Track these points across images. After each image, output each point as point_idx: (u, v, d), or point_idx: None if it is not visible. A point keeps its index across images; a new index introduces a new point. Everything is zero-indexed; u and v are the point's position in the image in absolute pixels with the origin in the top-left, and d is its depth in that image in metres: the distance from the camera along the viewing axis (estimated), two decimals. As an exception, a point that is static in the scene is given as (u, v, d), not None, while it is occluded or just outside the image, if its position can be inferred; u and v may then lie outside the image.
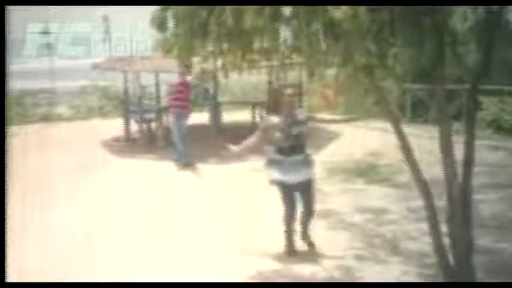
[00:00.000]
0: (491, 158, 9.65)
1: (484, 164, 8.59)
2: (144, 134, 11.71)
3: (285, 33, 3.50)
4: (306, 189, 5.57)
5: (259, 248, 5.86)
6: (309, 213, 5.65)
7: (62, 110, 16.25)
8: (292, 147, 5.43)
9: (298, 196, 5.59)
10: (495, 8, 4.12)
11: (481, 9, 3.89)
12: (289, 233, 5.63)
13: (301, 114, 5.57)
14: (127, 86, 12.09)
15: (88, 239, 6.22)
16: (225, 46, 3.82)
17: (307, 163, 5.58)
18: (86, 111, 16.24)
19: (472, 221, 4.59)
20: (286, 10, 3.25)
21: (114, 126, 12.80)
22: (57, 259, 5.67)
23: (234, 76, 13.01)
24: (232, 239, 6.17)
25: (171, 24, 3.88)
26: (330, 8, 3.06)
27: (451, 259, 4.54)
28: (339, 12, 2.91)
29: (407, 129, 7.00)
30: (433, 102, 10.39)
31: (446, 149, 4.39)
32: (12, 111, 14.23)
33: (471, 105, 4.79)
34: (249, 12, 3.17)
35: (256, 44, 3.57)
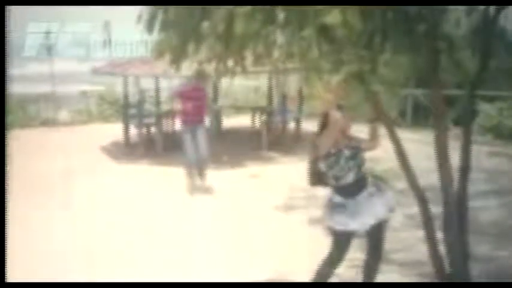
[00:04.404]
0: (491, 164, 9.61)
1: (484, 170, 8.55)
2: (143, 139, 11.68)
3: (280, 38, 3.47)
4: (376, 232, 4.33)
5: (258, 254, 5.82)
6: (375, 260, 4.45)
7: (62, 114, 16.22)
8: (357, 182, 4.20)
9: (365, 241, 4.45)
10: (491, 13, 4.11)
11: (474, 15, 3.86)
12: (325, 277, 4.43)
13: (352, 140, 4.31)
14: (126, 90, 12.07)
15: (83, 242, 6.25)
16: (217, 51, 3.78)
17: (379, 194, 4.27)
18: (86, 115, 16.22)
19: (469, 228, 4.56)
20: (279, 15, 3.22)
21: (114, 130, 12.79)
22: (54, 260, 5.68)
23: (235, 80, 13.08)
24: (229, 246, 6.14)
25: (161, 26, 3.84)
26: (321, 8, 3.01)
27: (447, 266, 4.51)
28: (330, 17, 2.87)
29: (408, 134, 6.97)
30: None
31: (442, 154, 4.37)
32: (13, 115, 14.24)
33: (468, 111, 4.77)
34: (241, 17, 3.14)
35: (250, 50, 3.54)
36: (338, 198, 4.21)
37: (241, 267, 5.52)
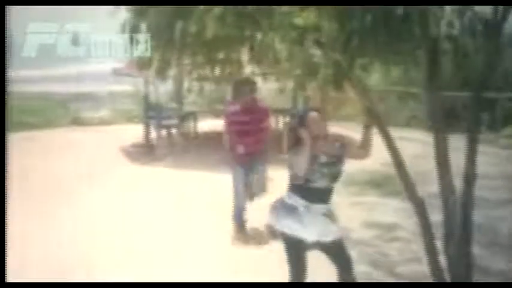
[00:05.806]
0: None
1: (505, 177, 8.13)
2: (162, 140, 11.63)
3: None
4: (336, 252, 3.98)
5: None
6: (349, 275, 4.03)
7: (89, 114, 16.41)
8: (323, 191, 3.91)
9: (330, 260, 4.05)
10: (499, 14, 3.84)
11: (467, 17, 3.59)
12: None
13: (334, 147, 3.98)
14: (147, 91, 12.06)
15: (85, 243, 6.22)
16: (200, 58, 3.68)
17: (332, 218, 3.96)
18: (112, 115, 16.32)
19: (473, 239, 4.28)
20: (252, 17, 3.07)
21: (138, 131, 12.80)
22: (62, 259, 5.70)
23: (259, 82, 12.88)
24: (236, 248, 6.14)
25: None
26: (295, 10, 2.85)
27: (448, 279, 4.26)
28: (301, 19, 2.69)
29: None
30: (465, 111, 9.82)
31: (443, 161, 4.12)
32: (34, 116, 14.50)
33: (474, 116, 4.47)
34: (211, 22, 2.99)
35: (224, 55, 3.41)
36: (295, 200, 3.85)
37: (244, 269, 5.47)
